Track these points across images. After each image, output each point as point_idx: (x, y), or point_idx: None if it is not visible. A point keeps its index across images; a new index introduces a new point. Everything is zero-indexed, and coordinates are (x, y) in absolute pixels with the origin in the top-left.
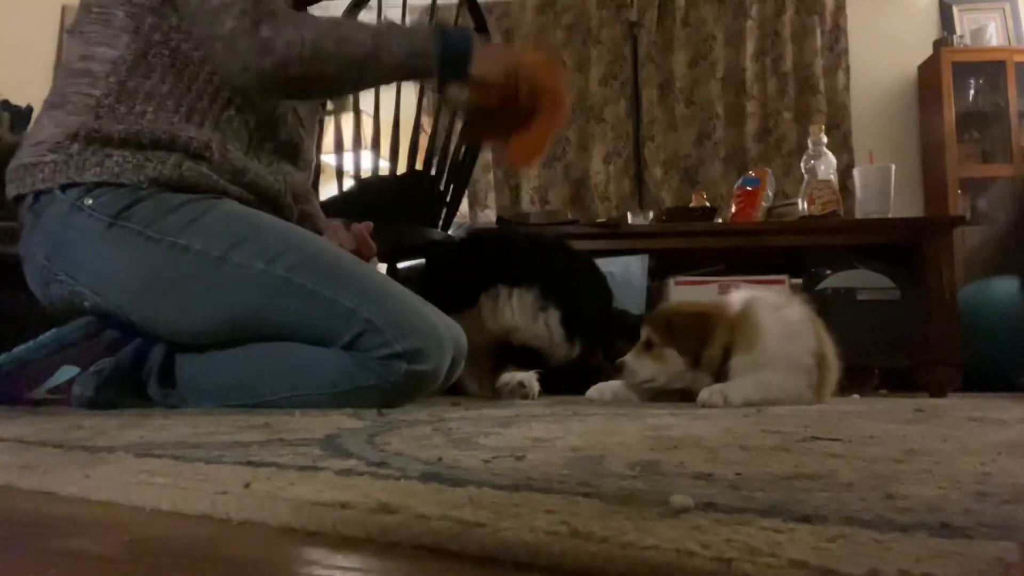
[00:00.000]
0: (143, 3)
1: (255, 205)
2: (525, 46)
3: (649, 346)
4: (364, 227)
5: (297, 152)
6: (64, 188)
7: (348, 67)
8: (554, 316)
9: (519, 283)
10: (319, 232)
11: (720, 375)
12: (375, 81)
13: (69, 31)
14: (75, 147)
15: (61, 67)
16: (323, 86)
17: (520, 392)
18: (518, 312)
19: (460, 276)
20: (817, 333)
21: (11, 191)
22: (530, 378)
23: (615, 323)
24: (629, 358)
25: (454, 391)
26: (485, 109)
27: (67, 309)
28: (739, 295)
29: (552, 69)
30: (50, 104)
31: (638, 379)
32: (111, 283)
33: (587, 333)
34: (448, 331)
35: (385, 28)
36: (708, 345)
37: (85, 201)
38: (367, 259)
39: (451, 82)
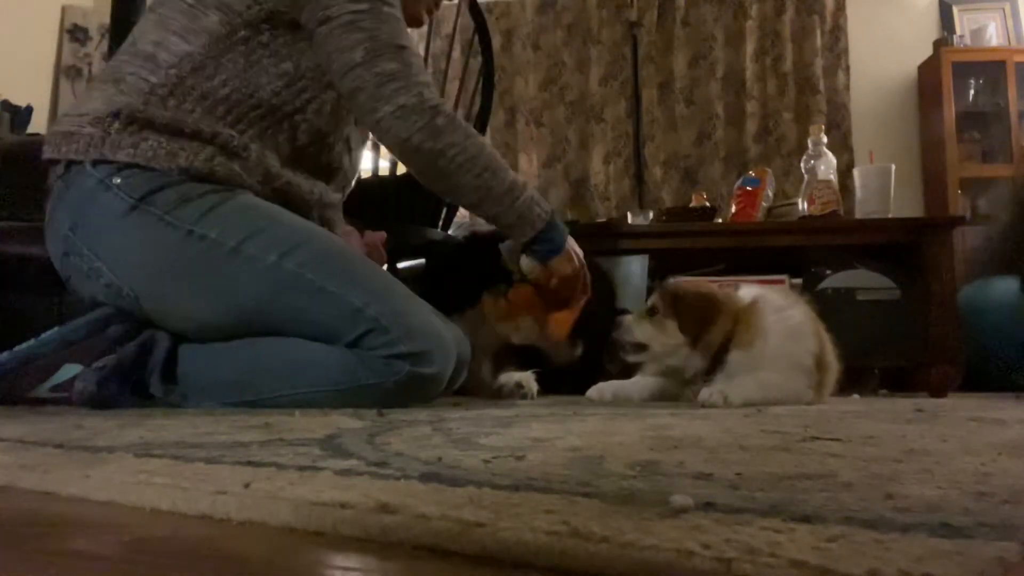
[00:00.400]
0: (242, 14)
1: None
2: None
3: (652, 312)
4: (378, 236)
5: (334, 175)
6: (95, 163)
7: (477, 190)
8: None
9: (515, 281)
10: None
11: (714, 367)
12: (482, 211)
13: (150, 7)
14: (116, 125)
15: (128, 43)
16: (446, 186)
17: (519, 392)
18: (515, 317)
19: (462, 276)
20: (818, 335)
21: (47, 152)
22: (528, 378)
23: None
24: (629, 318)
25: (456, 391)
26: (537, 285)
27: (80, 283)
28: (748, 291)
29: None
30: (105, 77)
31: (632, 339)
32: (127, 264)
33: (589, 333)
34: (453, 338)
35: (522, 183)
36: (709, 329)
37: (113, 180)
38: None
39: (531, 255)
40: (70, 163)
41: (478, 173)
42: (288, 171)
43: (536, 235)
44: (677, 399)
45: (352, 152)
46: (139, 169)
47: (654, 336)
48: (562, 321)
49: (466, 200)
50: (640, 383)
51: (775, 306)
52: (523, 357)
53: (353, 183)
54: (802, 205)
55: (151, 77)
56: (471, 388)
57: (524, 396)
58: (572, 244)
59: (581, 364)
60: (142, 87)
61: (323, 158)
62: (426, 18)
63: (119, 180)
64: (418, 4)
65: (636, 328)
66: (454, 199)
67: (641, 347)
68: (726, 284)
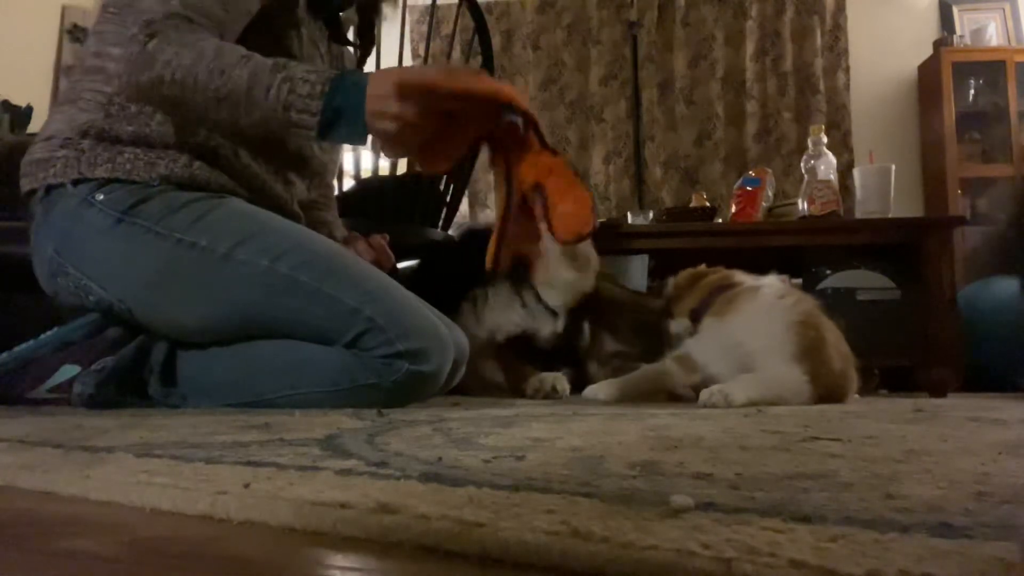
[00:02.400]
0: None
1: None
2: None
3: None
4: (382, 238)
5: (306, 164)
6: (75, 183)
7: (216, 102)
8: (529, 294)
9: (491, 280)
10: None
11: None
12: (254, 127)
13: (83, 28)
14: (86, 143)
15: (76, 64)
16: (196, 114)
17: (555, 395)
18: (496, 308)
19: (459, 273)
20: (810, 324)
21: (24, 185)
22: (560, 379)
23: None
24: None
25: (455, 390)
26: (415, 142)
27: (72, 302)
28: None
29: (474, 76)
30: (63, 99)
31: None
32: (118, 278)
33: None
34: (450, 334)
35: (269, 67)
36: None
37: (96, 196)
38: (386, 270)
39: (345, 139)
40: (49, 187)
41: (203, 82)
42: (262, 167)
43: (322, 124)
44: (676, 400)
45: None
46: (120, 183)
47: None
48: (568, 217)
49: (225, 122)
50: (638, 383)
51: (769, 287)
52: (518, 349)
53: (333, 179)
54: (802, 205)
55: (105, 88)
56: (471, 387)
57: (558, 397)
58: (385, 75)
59: (570, 337)
60: (100, 100)
61: (291, 145)
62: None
63: (102, 196)
64: None
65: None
66: (217, 125)
67: None
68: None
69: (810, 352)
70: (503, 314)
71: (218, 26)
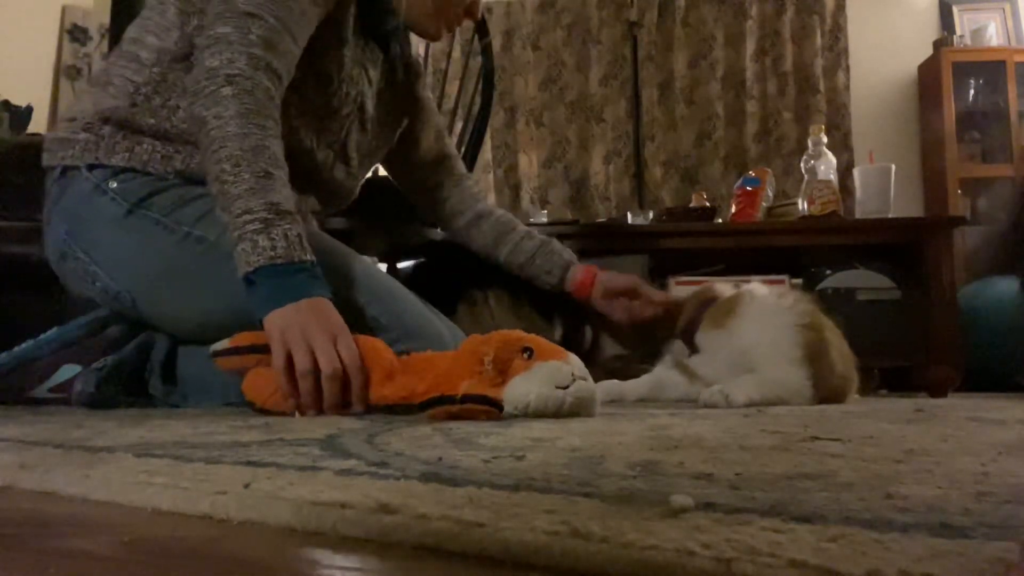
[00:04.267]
0: (195, 3)
1: None
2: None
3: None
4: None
5: (322, 187)
6: (91, 168)
7: (210, 178)
8: (528, 305)
9: (492, 286)
10: None
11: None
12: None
13: (83, 28)
14: (107, 129)
15: (118, 45)
16: (202, 158)
17: None
18: (497, 314)
19: (458, 275)
20: (809, 326)
21: (45, 159)
22: None
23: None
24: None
25: None
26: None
27: (78, 287)
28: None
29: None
30: (94, 80)
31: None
32: (125, 268)
33: (563, 310)
34: (452, 336)
35: (265, 203)
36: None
37: (110, 184)
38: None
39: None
40: (66, 168)
41: (219, 158)
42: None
43: (246, 278)
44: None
45: (350, 166)
46: (135, 173)
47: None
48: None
49: (210, 187)
50: (634, 383)
51: (758, 294)
52: None
53: (352, 198)
54: (802, 205)
55: (135, 77)
56: None
57: None
58: (302, 316)
59: (569, 343)
60: (128, 88)
61: (323, 173)
62: (444, 32)
63: (115, 184)
64: (439, 15)
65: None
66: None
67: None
68: (737, 282)
69: (814, 355)
70: (504, 320)
71: (289, 63)
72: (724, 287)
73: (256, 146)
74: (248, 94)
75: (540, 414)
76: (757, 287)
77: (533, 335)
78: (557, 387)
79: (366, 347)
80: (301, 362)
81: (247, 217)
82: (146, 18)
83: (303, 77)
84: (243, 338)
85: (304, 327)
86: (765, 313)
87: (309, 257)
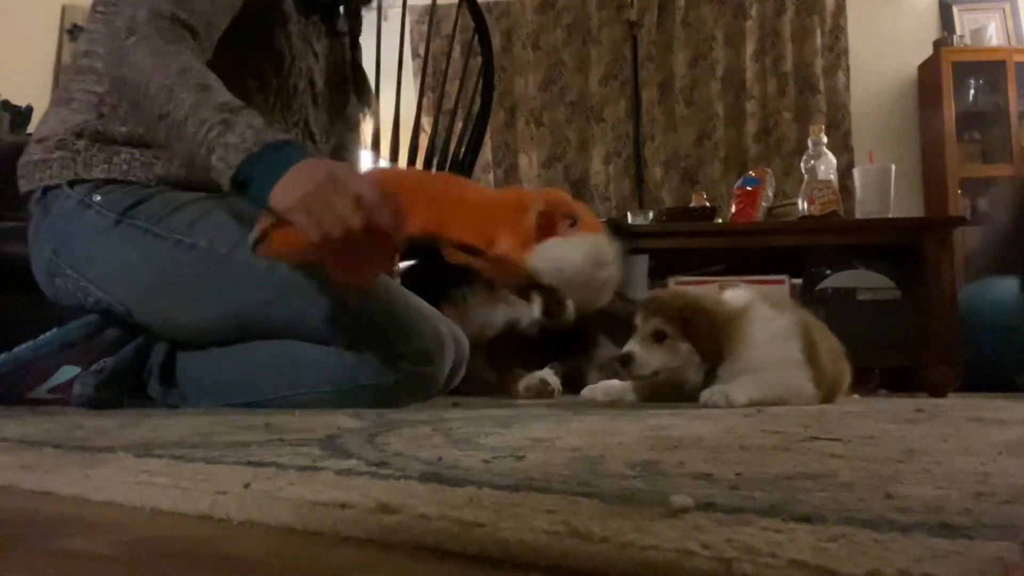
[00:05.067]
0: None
1: None
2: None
3: (660, 337)
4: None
5: None
6: (72, 184)
7: (156, 119)
8: (503, 295)
9: (468, 281)
10: None
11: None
12: (186, 156)
13: (82, 28)
14: (81, 144)
15: (69, 64)
16: (147, 125)
17: (546, 390)
18: (475, 309)
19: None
20: (807, 337)
21: (22, 186)
22: (549, 375)
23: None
24: (637, 351)
25: (453, 390)
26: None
27: (72, 303)
28: (735, 294)
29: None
30: (56, 100)
31: (648, 371)
32: (116, 279)
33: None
34: (450, 334)
35: (217, 104)
36: (720, 342)
37: (93, 197)
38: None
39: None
40: (46, 189)
41: (152, 95)
42: None
43: (233, 180)
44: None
45: (316, 143)
46: (117, 184)
47: (669, 360)
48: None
49: (161, 140)
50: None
51: (763, 315)
52: (507, 344)
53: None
54: (802, 205)
55: (96, 88)
56: (463, 387)
57: (551, 394)
58: (307, 175)
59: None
60: (92, 100)
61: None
62: None
63: (99, 197)
64: None
65: (650, 358)
66: (163, 142)
67: (655, 373)
68: (724, 285)
69: (810, 358)
70: (485, 312)
71: (204, 20)
72: (710, 295)
73: (181, 69)
74: (155, 34)
75: (569, 285)
76: (742, 294)
77: (582, 203)
78: (596, 264)
79: (386, 176)
80: (329, 226)
81: (205, 128)
82: (92, 31)
83: (258, 61)
84: (266, 217)
85: (315, 191)
86: (768, 336)
87: (282, 136)
